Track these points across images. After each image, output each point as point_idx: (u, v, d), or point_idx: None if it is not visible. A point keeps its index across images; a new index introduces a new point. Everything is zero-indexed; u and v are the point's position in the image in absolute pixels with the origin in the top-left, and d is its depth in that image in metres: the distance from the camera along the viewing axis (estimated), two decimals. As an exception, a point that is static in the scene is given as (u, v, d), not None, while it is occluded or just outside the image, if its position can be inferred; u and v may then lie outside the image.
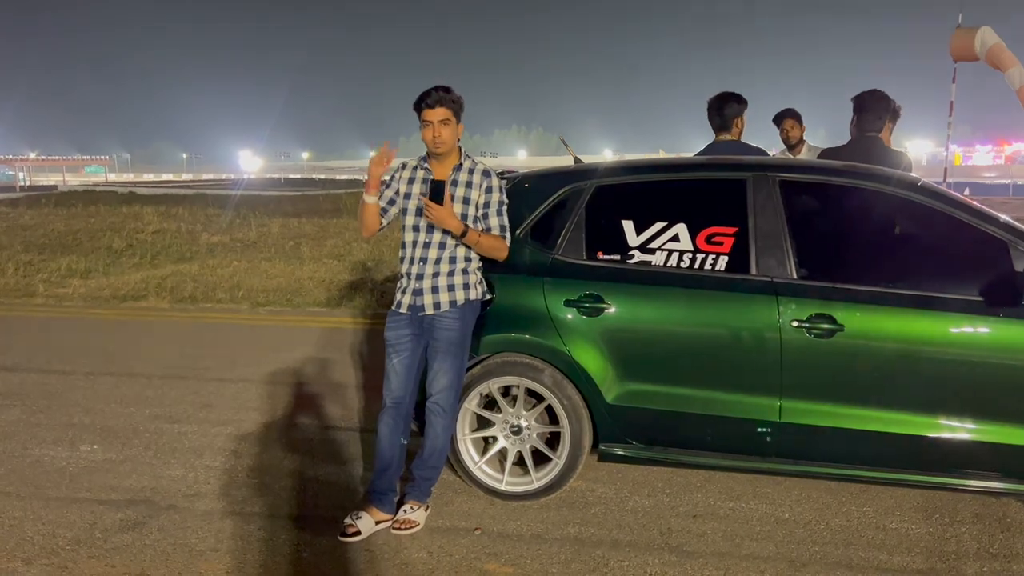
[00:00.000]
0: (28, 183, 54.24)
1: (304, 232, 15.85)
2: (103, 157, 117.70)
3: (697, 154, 4.82)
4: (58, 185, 48.69)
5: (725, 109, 4.68)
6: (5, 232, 15.63)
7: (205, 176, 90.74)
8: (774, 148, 6.50)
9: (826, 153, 4.97)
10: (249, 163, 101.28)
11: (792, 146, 6.14)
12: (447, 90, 3.43)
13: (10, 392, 5.58)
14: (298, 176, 77.53)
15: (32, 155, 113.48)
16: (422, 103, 3.41)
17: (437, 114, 3.39)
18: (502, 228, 3.57)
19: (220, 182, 59.31)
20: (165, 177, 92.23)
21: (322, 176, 75.86)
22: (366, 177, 3.52)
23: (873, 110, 4.66)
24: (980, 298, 3.26)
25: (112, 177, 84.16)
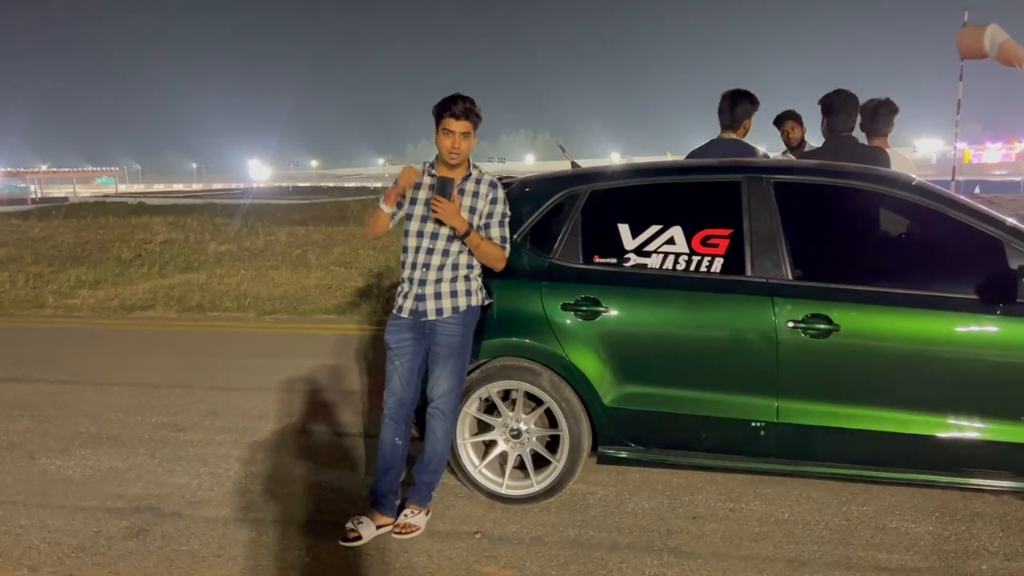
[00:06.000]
0: (39, 195, 54.66)
1: (311, 240, 15.94)
2: (114, 168, 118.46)
3: (696, 150, 4.84)
4: (69, 197, 49.06)
5: (737, 108, 4.70)
6: (15, 244, 15.77)
7: (215, 186, 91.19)
8: (775, 150, 6.52)
9: (805, 156, 4.99)
10: (258, 172, 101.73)
11: (793, 148, 6.14)
12: (472, 103, 3.43)
13: (19, 402, 5.64)
14: (307, 184, 77.92)
15: (43, 167, 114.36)
16: (446, 111, 3.40)
17: (461, 126, 3.40)
18: (503, 239, 3.60)
19: (229, 191, 59.61)
20: (176, 187, 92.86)
21: (331, 184, 76.25)
22: (391, 185, 3.53)
23: (844, 110, 4.72)
24: (975, 296, 3.26)
25: (123, 188, 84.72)
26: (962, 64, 9.85)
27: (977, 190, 33.17)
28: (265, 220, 20.72)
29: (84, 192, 67.68)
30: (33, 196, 51.81)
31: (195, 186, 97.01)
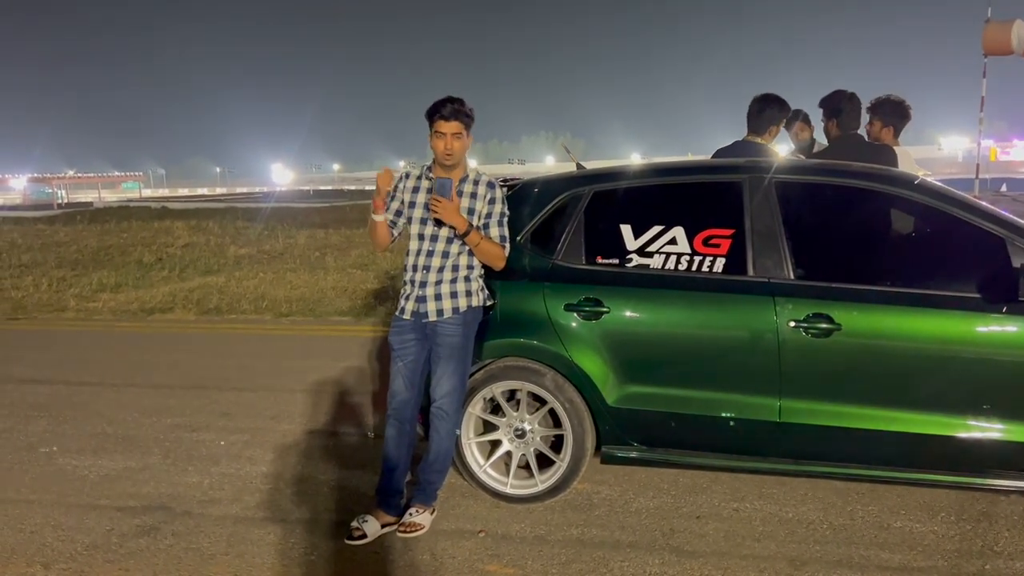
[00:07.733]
0: (65, 200, 55.44)
1: (330, 243, 16.05)
2: (138, 173, 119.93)
3: (719, 151, 4.83)
4: (94, 202, 49.68)
5: (763, 113, 4.66)
6: (40, 249, 16.03)
7: (239, 190, 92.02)
8: (786, 150, 6.48)
9: (814, 156, 4.99)
10: (281, 176, 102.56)
11: (803, 148, 6.11)
12: (461, 103, 3.48)
13: (40, 404, 5.76)
14: (328, 187, 78.45)
15: (70, 172, 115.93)
16: (436, 114, 3.46)
17: (451, 127, 3.46)
18: (502, 238, 3.64)
19: (252, 195, 60.09)
20: (199, 191, 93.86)
21: (352, 187, 76.63)
22: (373, 198, 3.57)
23: (850, 110, 4.74)
24: (978, 295, 3.25)
25: (147, 193, 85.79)
26: (985, 61, 9.76)
27: (1004, 188, 32.68)
28: (285, 223, 20.89)
29: (109, 197, 68.55)
30: (60, 201, 52.54)
31: (219, 190, 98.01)
